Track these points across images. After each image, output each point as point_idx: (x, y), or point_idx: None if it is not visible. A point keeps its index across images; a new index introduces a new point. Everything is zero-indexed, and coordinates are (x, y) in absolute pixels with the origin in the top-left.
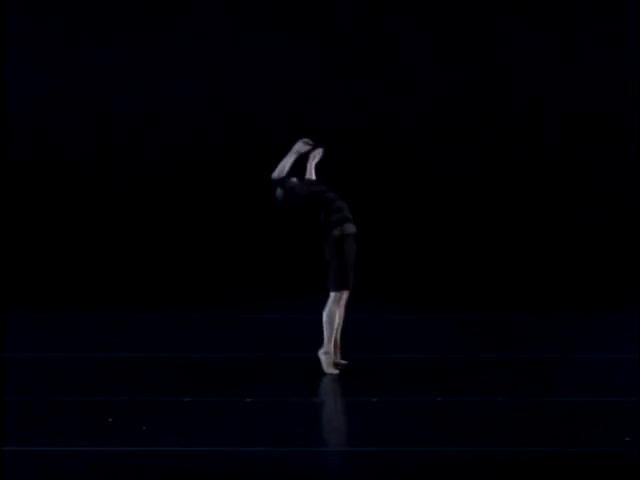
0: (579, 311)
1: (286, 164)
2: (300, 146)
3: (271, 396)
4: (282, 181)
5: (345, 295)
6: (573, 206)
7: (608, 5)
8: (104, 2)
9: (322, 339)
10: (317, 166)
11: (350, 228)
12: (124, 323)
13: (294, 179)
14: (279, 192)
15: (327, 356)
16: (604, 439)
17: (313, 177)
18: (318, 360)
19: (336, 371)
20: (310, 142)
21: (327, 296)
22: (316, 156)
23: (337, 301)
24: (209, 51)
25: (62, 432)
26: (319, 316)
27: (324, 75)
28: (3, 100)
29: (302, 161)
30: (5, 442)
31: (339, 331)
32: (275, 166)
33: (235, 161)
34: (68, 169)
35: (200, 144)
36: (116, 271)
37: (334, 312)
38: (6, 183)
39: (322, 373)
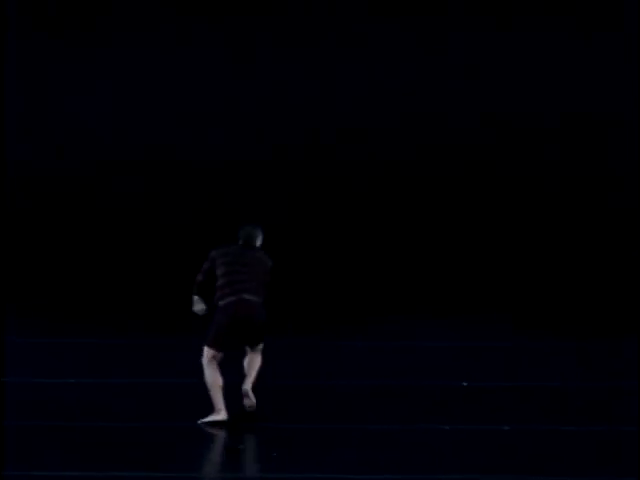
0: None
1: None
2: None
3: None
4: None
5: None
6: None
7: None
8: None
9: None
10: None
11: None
12: (138, 349)
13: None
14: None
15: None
16: (616, 468)
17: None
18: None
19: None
20: None
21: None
22: None
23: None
24: (206, 66)
25: (61, 458)
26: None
27: (315, 81)
28: (3, 110)
29: None
30: (5, 467)
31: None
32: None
33: (240, 176)
34: (70, 188)
35: (208, 157)
36: (130, 296)
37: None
38: (7, 201)
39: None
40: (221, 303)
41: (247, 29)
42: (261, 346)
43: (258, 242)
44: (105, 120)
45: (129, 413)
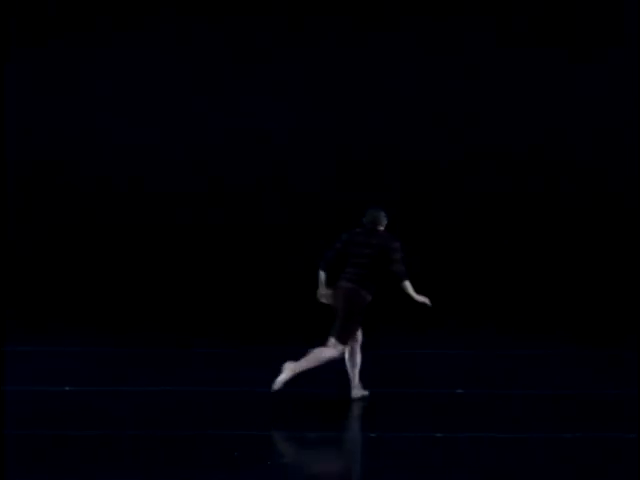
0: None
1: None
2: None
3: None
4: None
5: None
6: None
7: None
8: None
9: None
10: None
11: (339, 284)
12: (144, 357)
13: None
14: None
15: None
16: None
17: None
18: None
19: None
20: None
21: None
22: None
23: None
24: (206, 66)
25: (63, 467)
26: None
27: (323, 102)
28: (4, 123)
29: None
30: (6, 477)
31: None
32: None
33: (239, 177)
34: (71, 189)
35: (208, 158)
36: (130, 304)
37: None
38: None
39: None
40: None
41: (247, 29)
42: (332, 342)
43: (381, 225)
44: (105, 120)
45: (131, 422)
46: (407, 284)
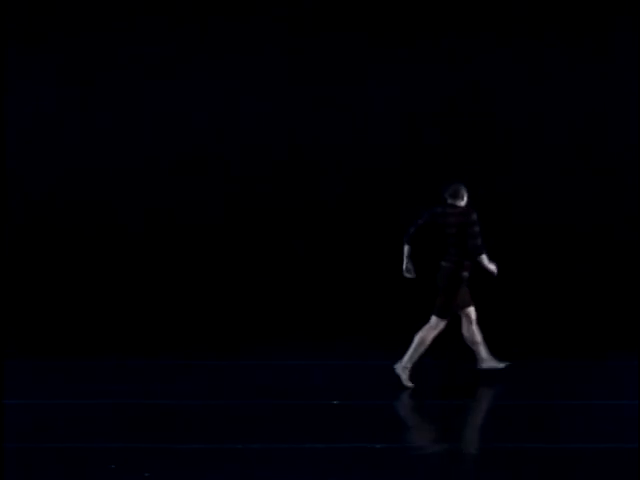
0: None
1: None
2: None
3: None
4: None
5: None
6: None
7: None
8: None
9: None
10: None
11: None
12: (127, 370)
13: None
14: None
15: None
16: None
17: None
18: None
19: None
20: None
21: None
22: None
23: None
24: (207, 68)
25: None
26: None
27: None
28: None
29: None
30: None
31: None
32: None
33: (238, 180)
34: (72, 197)
35: (210, 159)
36: (129, 316)
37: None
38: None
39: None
40: None
41: (247, 29)
42: (434, 320)
43: (462, 199)
44: (105, 120)
45: (131, 434)
46: (483, 258)
